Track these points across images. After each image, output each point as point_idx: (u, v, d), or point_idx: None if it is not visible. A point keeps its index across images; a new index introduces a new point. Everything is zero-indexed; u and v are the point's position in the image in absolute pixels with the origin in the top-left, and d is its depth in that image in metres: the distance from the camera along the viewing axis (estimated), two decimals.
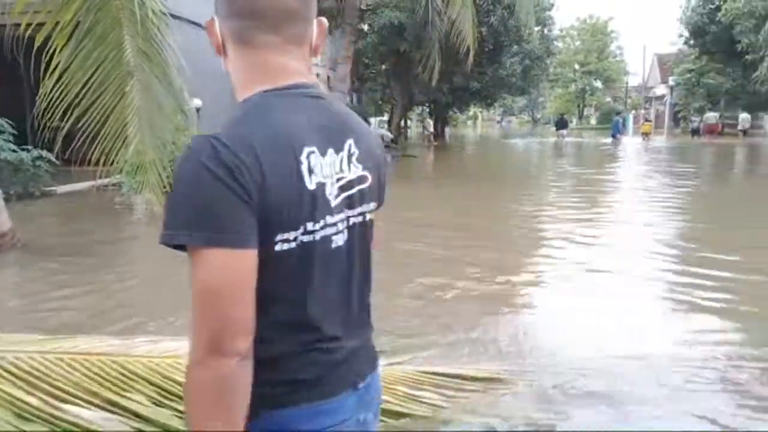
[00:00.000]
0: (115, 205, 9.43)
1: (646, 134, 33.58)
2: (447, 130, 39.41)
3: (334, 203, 1.06)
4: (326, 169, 1.05)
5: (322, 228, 1.04)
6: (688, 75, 37.50)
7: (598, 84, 61.55)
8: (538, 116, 78.71)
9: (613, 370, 3.46)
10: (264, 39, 1.08)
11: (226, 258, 0.93)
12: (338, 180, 1.08)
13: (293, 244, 1.00)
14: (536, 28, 28.32)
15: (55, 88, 4.05)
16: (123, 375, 2.19)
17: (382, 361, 1.28)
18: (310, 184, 1.01)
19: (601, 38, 59.95)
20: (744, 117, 33.96)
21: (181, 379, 1.68)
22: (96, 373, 2.17)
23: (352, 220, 1.11)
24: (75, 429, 1.98)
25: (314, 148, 1.03)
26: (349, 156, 1.11)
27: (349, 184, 1.10)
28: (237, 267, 0.94)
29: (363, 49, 22.83)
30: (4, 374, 2.08)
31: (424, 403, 2.75)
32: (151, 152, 4.19)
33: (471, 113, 67.29)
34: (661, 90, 49.50)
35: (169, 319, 4.21)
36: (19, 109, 10.90)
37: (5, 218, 6.41)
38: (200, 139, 0.97)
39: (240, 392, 0.97)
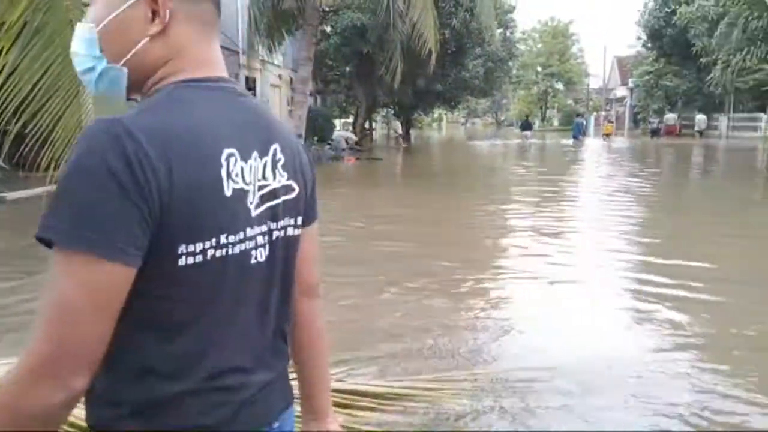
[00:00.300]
0: None
1: (607, 135, 34.31)
2: (412, 132, 39.59)
3: (254, 213, 0.93)
4: (247, 175, 0.91)
5: (240, 241, 0.90)
6: (647, 77, 38.48)
7: (560, 86, 62.60)
8: (502, 118, 79.58)
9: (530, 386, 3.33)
10: (216, 25, 0.98)
11: (95, 269, 0.77)
12: (261, 188, 0.94)
13: (200, 258, 0.85)
14: (498, 31, 28.72)
15: (3, 90, 3.94)
16: None
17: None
18: (227, 191, 0.88)
19: (563, 41, 60.97)
20: (700, 118, 35.00)
21: None
22: None
23: (275, 234, 0.98)
24: None
25: (234, 151, 0.89)
26: (274, 162, 0.98)
27: (273, 194, 0.97)
28: (105, 282, 0.78)
29: (326, 50, 22.78)
30: None
31: None
32: None
33: (436, 115, 67.70)
34: (621, 92, 50.62)
35: None
36: None
37: None
38: (102, 124, 0.81)
39: None
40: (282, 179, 0.99)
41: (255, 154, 0.94)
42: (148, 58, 0.92)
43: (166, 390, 0.86)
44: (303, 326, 1.15)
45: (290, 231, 1.02)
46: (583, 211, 10.31)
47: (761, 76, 22.30)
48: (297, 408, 1.13)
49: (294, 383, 1.12)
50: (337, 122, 31.48)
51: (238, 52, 21.15)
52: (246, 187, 0.91)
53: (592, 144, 30.35)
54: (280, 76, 25.95)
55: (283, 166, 0.99)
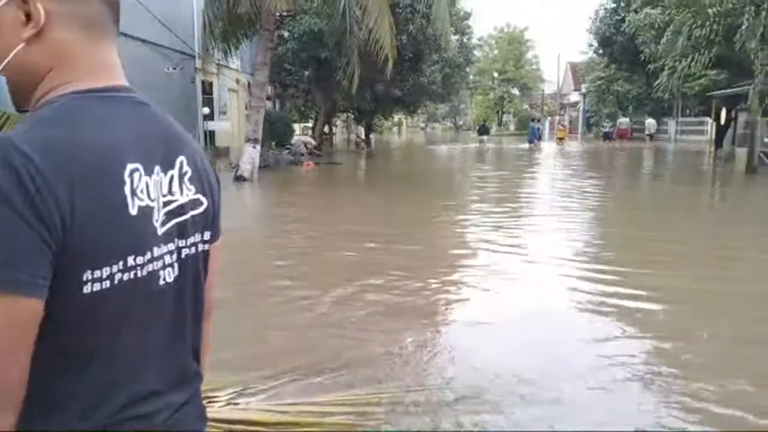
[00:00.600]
0: None
1: (560, 139, 35.09)
2: (372, 136, 39.70)
3: (161, 231, 0.87)
4: (152, 191, 0.85)
5: (148, 262, 0.84)
6: (599, 82, 39.54)
7: (516, 91, 63.61)
8: (461, 123, 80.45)
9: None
10: (108, 26, 0.90)
11: (4, 307, 0.71)
12: (167, 204, 0.88)
13: (108, 284, 0.79)
14: (455, 37, 29.07)
15: None
16: None
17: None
18: (132, 209, 0.81)
19: (518, 47, 62.00)
20: (650, 122, 36.13)
21: None
22: None
23: (184, 252, 0.92)
24: None
25: (138, 165, 0.83)
26: (181, 176, 0.92)
27: (181, 209, 0.91)
28: (17, 319, 0.72)
29: (284, 55, 22.72)
30: None
31: None
32: None
33: (396, 120, 68.01)
34: (574, 97, 51.87)
35: None
36: None
37: None
38: None
39: None
40: (189, 193, 0.93)
41: (158, 168, 0.88)
42: (29, 65, 0.84)
43: (79, 427, 0.80)
44: None
45: (200, 247, 0.96)
46: (537, 214, 10.53)
47: (706, 82, 23.26)
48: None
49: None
50: (297, 127, 31.37)
51: (194, 57, 20.93)
52: (151, 204, 0.85)
53: (548, 148, 30.99)
54: (237, 81, 25.73)
55: (190, 180, 0.94)
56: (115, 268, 0.80)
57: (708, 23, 15.06)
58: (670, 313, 4.74)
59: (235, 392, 2.99)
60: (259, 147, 14.53)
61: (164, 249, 0.88)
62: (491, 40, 61.73)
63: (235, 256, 6.72)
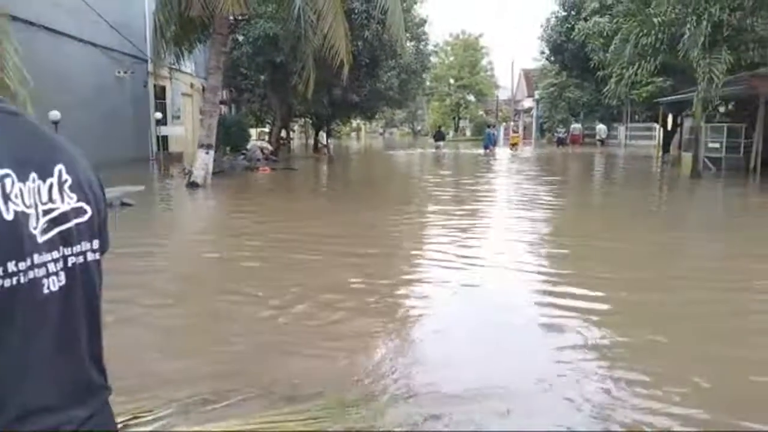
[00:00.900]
0: None
1: (514, 145, 35.72)
2: (330, 141, 39.58)
3: (42, 239, 0.87)
4: (27, 198, 0.86)
5: (28, 269, 0.84)
6: (551, 89, 40.45)
7: (472, 97, 64.40)
8: (419, 128, 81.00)
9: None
10: None
11: None
12: (47, 212, 0.89)
13: None
14: (411, 44, 29.29)
15: None
16: None
17: None
18: (7, 214, 0.82)
19: (473, 54, 62.80)
20: (601, 128, 37.20)
21: None
22: None
23: (71, 260, 0.92)
24: None
25: (9, 171, 0.84)
26: (61, 184, 0.92)
27: (64, 217, 0.92)
28: None
29: (239, 59, 22.51)
30: None
31: None
32: None
33: (354, 125, 68.01)
34: (528, 103, 52.86)
35: None
36: None
37: None
38: None
39: None
40: (71, 201, 0.94)
41: (34, 175, 0.88)
42: None
43: None
44: None
45: (90, 256, 0.96)
46: (489, 217, 10.69)
47: (652, 89, 24.02)
48: None
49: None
50: (254, 132, 31.07)
51: (146, 61, 20.56)
52: (27, 210, 0.86)
53: (502, 154, 31.49)
54: (192, 85, 25.38)
55: (71, 188, 0.94)
56: None
57: (653, 32, 15.55)
58: (619, 314, 4.88)
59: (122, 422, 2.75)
60: (212, 152, 14.34)
61: (47, 257, 0.88)
62: (447, 46, 62.35)
63: (176, 267, 6.64)
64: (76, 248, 0.93)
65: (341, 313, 4.76)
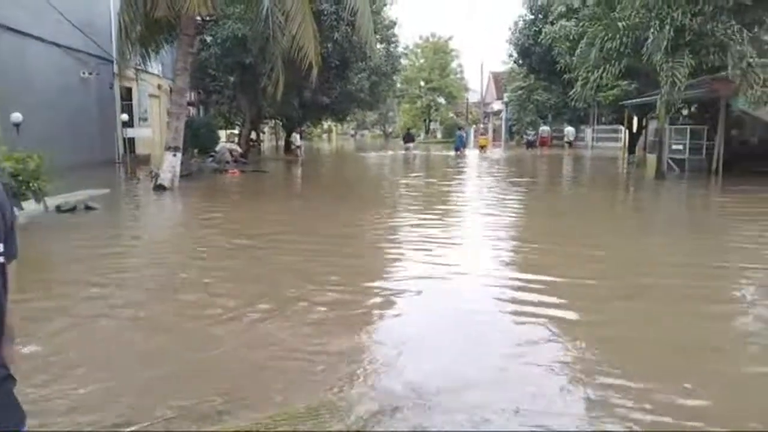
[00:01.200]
0: None
1: (482, 147, 36.03)
2: (302, 143, 39.37)
3: None
4: None
5: None
6: (520, 92, 40.86)
7: (442, 100, 64.74)
8: (390, 130, 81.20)
9: None
10: None
11: None
12: None
13: None
14: (381, 46, 29.35)
15: None
16: None
17: None
18: None
19: (443, 56, 63.15)
20: (569, 130, 37.69)
21: None
22: None
23: None
24: None
25: None
26: None
27: None
28: None
29: (207, 60, 22.30)
30: None
31: None
32: None
33: (325, 127, 67.85)
34: (497, 105, 53.32)
35: None
36: None
37: None
38: None
39: None
40: None
41: None
42: None
43: None
44: None
45: None
46: (457, 220, 10.75)
47: (618, 92, 24.40)
48: None
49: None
50: (223, 133, 30.76)
51: (111, 61, 20.22)
52: None
53: (473, 156, 31.73)
54: (159, 86, 25.05)
55: None
56: None
57: (618, 36, 15.82)
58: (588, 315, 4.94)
59: None
60: (180, 155, 14.16)
61: None
62: (417, 49, 62.60)
63: (139, 270, 6.54)
64: None
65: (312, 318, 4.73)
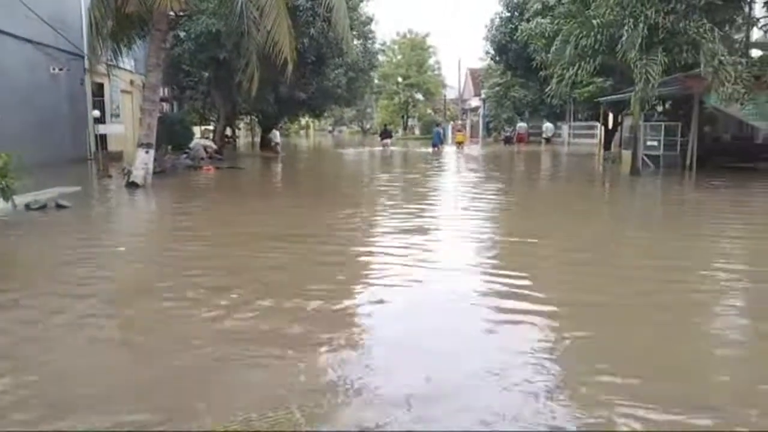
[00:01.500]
0: None
1: (460, 144, 36.15)
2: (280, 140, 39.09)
3: None
4: None
5: None
6: (497, 88, 41.09)
7: (420, 96, 64.79)
8: (368, 126, 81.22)
9: None
10: None
11: None
12: None
13: None
14: (358, 42, 29.23)
15: None
16: None
17: None
18: None
19: (420, 53, 63.18)
20: (548, 126, 37.94)
21: None
22: None
23: None
24: None
25: None
26: None
27: None
28: None
29: (181, 56, 22.00)
30: None
31: None
32: None
33: (303, 123, 67.55)
34: (475, 102, 53.54)
35: None
36: None
37: None
38: None
39: None
40: None
41: None
42: None
43: None
44: None
45: None
46: (436, 220, 10.72)
47: (593, 89, 24.64)
48: None
49: None
50: (198, 130, 30.39)
51: (82, 57, 19.83)
52: None
53: (450, 152, 31.79)
54: (131, 82, 24.64)
55: None
56: None
57: (593, 34, 15.93)
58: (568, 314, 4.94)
59: None
60: (153, 152, 13.92)
61: None
62: (394, 45, 62.53)
63: (102, 270, 6.40)
64: None
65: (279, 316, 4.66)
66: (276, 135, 32.24)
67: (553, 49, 17.87)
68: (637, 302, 5.08)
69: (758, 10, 17.84)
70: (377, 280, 5.79)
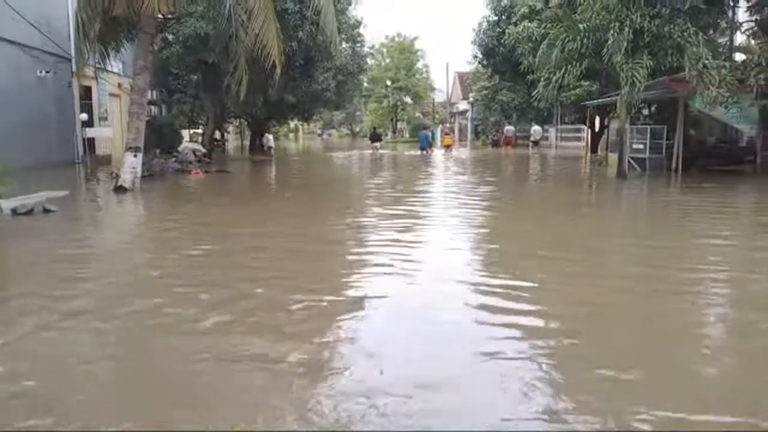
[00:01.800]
0: None
1: (448, 147, 36.21)
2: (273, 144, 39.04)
3: None
4: None
5: None
6: (485, 92, 41.24)
7: (409, 99, 64.92)
8: (357, 129, 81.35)
9: None
10: None
11: None
12: None
13: None
14: (346, 45, 29.31)
15: None
16: None
17: None
18: None
19: (409, 56, 63.28)
20: (536, 129, 38.06)
21: None
22: None
23: None
24: None
25: None
26: None
27: None
28: None
29: (169, 59, 21.95)
30: None
31: None
32: None
33: (292, 126, 67.53)
34: (463, 105, 53.75)
35: None
36: None
37: None
38: None
39: None
40: None
41: None
42: None
43: None
44: None
45: None
46: (425, 224, 10.78)
47: (580, 92, 24.84)
48: None
49: None
50: (186, 133, 30.31)
51: (70, 60, 19.76)
52: None
53: (439, 155, 31.87)
54: (119, 85, 24.54)
55: None
56: None
57: (579, 38, 16.05)
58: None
59: None
60: (141, 155, 13.90)
61: None
62: (383, 48, 62.61)
63: (86, 272, 6.39)
64: None
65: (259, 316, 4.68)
66: (269, 139, 32.10)
67: (540, 52, 17.97)
68: (621, 301, 5.16)
69: (741, 15, 18.10)
70: (361, 291, 5.83)
